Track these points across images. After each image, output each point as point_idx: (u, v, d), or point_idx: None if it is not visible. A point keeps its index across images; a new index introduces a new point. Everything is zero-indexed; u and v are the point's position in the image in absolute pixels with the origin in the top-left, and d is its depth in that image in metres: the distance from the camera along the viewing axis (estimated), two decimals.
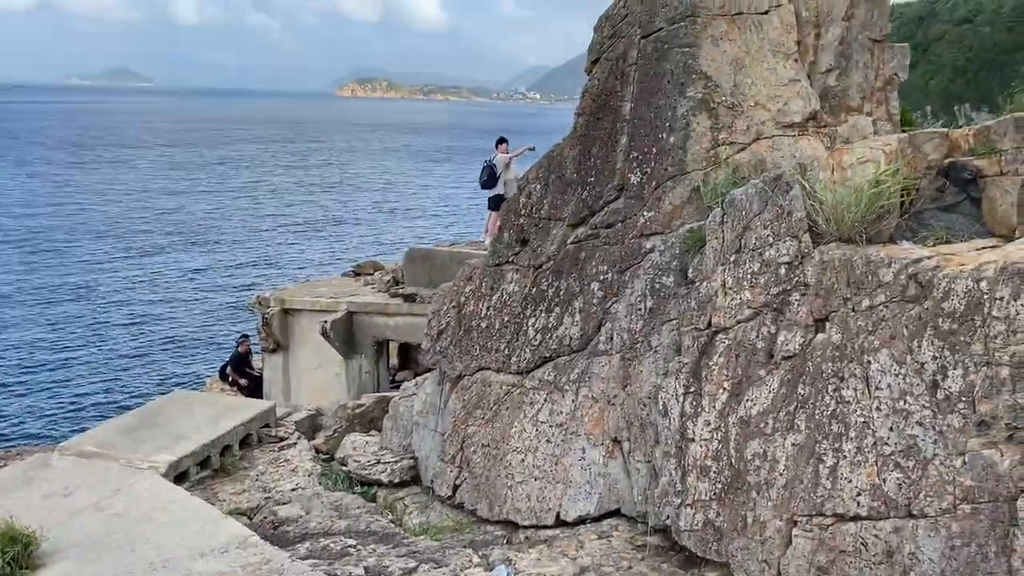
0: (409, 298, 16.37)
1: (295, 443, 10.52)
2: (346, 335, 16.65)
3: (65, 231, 49.70)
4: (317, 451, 10.61)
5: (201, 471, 9.59)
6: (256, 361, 19.86)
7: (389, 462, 9.19)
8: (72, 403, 24.03)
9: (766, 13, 7.52)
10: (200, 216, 57.10)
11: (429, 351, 9.11)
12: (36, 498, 8.20)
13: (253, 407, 10.85)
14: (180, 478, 9.28)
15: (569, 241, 7.89)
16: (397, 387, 17.99)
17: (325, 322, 16.16)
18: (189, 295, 36.53)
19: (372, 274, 18.89)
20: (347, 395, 17.15)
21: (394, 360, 18.47)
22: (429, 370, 9.95)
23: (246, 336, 20.06)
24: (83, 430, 21.28)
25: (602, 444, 7.15)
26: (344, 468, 9.55)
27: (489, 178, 17.90)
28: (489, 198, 18.35)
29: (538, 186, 8.32)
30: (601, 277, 7.50)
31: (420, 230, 57.12)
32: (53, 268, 40.29)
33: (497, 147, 18.12)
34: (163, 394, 12.57)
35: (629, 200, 7.49)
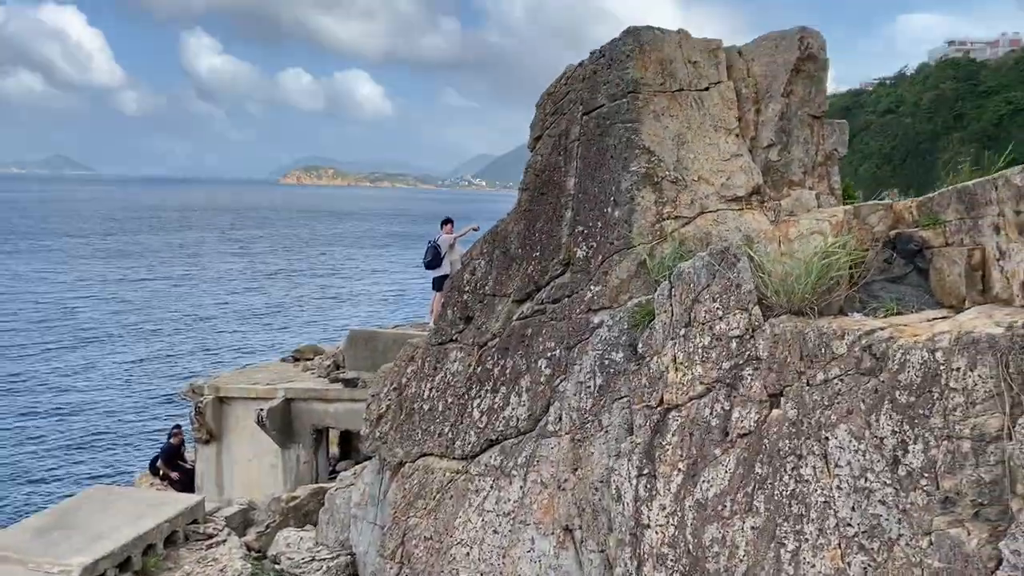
0: (350, 383, 15.84)
1: (224, 540, 9.80)
2: (283, 423, 15.97)
3: None
4: (248, 548, 9.90)
5: (120, 574, 8.82)
6: (189, 453, 18.93)
7: (325, 559, 8.58)
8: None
9: (706, 90, 7.57)
10: (137, 304, 55.62)
11: (368, 437, 8.65)
12: None
13: (179, 502, 10.13)
14: None
15: (515, 317, 7.64)
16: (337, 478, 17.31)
17: (261, 410, 15.49)
18: (122, 385, 35.11)
19: (312, 359, 18.32)
20: (283, 487, 16.33)
21: (334, 449, 17.76)
22: (369, 458, 9.46)
23: (179, 427, 19.15)
24: None
25: (552, 533, 6.74)
26: (276, 567, 8.89)
27: (433, 258, 17.70)
28: (434, 278, 18.09)
29: (482, 262, 8.10)
30: (549, 354, 7.23)
31: (365, 315, 56.46)
32: None
33: (442, 227, 18.00)
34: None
35: (576, 274, 7.30)
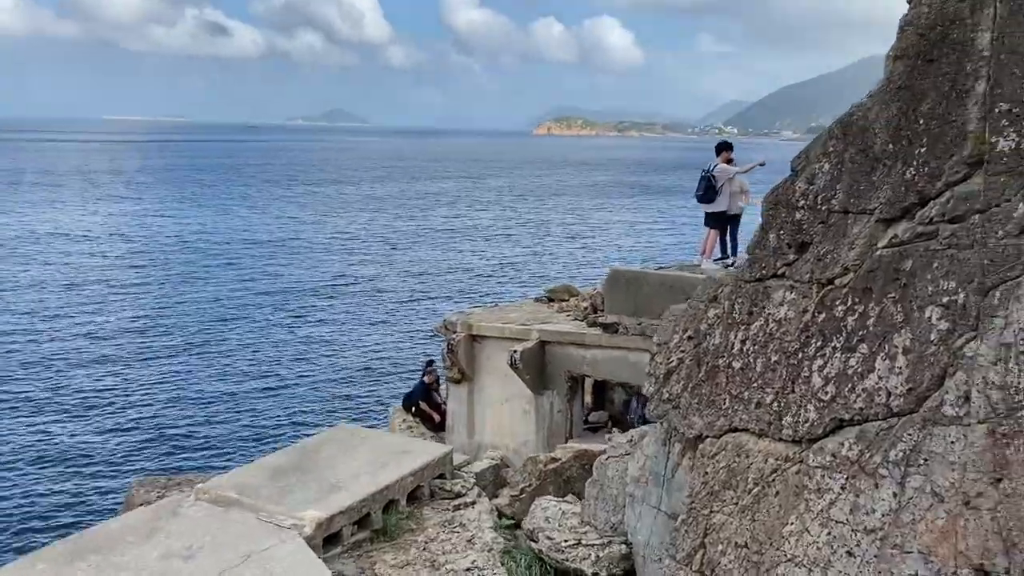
0: (610, 328, 13.99)
1: (474, 502, 8.37)
2: (537, 367, 14.52)
3: (267, 257, 51.52)
4: (500, 514, 8.41)
5: (358, 532, 7.64)
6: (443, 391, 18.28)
7: (594, 545, 6.79)
8: (246, 429, 23.34)
9: None
10: (399, 247, 57.95)
11: (653, 398, 6.65)
12: (152, 558, 6.52)
13: (426, 451, 8.83)
14: (331, 540, 7.37)
15: (882, 244, 5.21)
16: (592, 431, 15.68)
17: (514, 352, 14.11)
18: (379, 322, 36.16)
19: (567, 300, 16.71)
20: (536, 435, 15.02)
21: (587, 398, 16.16)
22: (645, 420, 7.54)
23: (432, 363, 18.56)
24: (249, 460, 20.50)
25: (954, 572, 4.38)
26: (534, 545, 7.24)
27: (707, 191, 15.29)
28: (707, 213, 15.71)
29: (826, 165, 5.70)
30: (945, 299, 4.76)
31: (613, 262, 54.97)
32: (250, 290, 41.48)
33: (718, 154, 15.49)
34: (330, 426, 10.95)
35: (994, 177, 4.72)
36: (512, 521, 8.37)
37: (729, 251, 15.82)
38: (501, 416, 15.33)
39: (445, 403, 17.58)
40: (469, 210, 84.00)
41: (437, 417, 17.31)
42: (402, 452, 8.74)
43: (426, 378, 18.08)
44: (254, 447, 21.54)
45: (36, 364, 28.38)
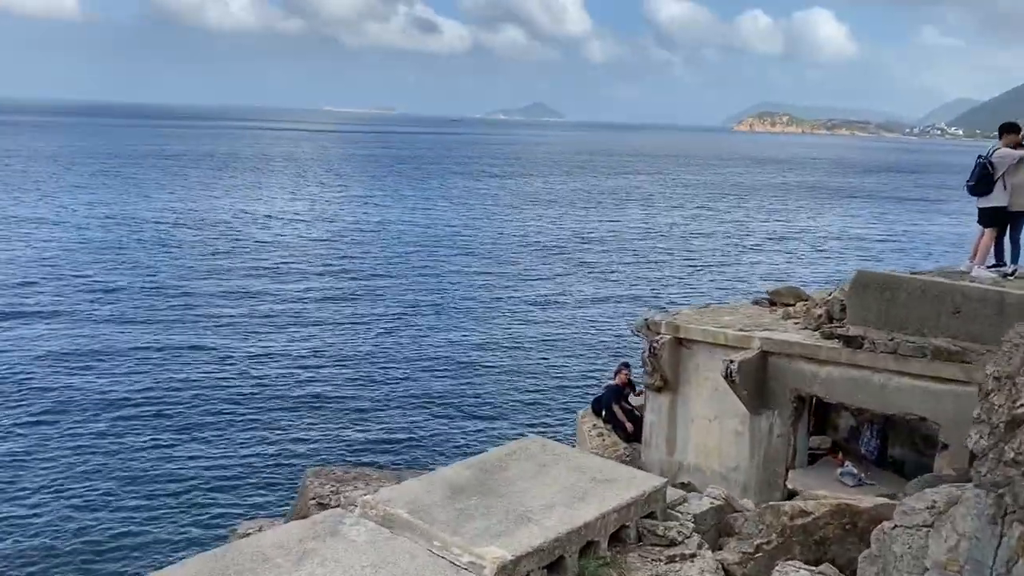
0: (852, 342, 11.62)
1: (693, 554, 6.57)
2: (756, 382, 12.40)
3: (457, 249, 51.38)
4: (727, 573, 6.58)
5: None
6: (635, 399, 16.54)
7: None
8: (423, 427, 22.41)
9: None
10: (590, 242, 56.44)
11: (985, 456, 4.57)
12: None
13: (634, 482, 7.13)
14: None
15: None
16: (812, 460, 13.34)
17: (731, 361, 12.07)
18: (566, 319, 34.70)
19: (793, 304, 14.36)
20: (749, 461, 12.91)
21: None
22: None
23: (626, 365, 16.85)
24: (416, 458, 19.36)
25: None
26: None
27: (980, 180, 12.50)
28: (980, 209, 12.89)
29: None
30: None
31: (826, 265, 50.55)
32: (439, 282, 41.32)
33: (1001, 137, 12.62)
34: (517, 436, 9.53)
35: None
36: None
37: (1008, 257, 12.92)
38: (708, 435, 13.34)
39: (638, 410, 15.91)
40: (665, 207, 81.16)
41: (630, 426, 15.62)
42: (605, 480, 7.08)
43: (617, 379, 16.46)
44: (429, 447, 20.67)
45: (234, 337, 29.43)
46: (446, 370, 27.16)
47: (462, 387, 25.50)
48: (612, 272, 45.78)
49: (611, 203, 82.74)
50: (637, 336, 14.69)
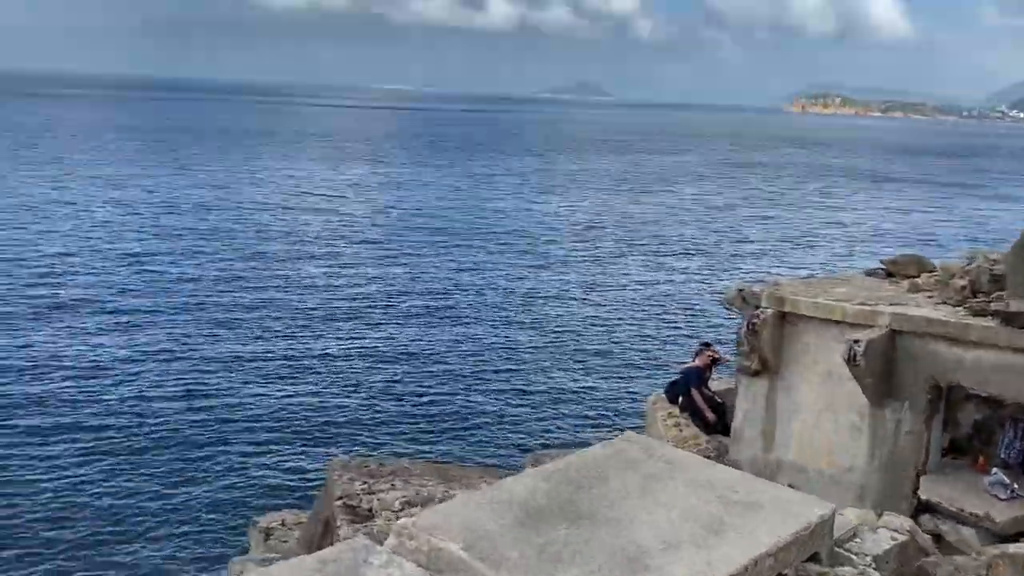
0: (1015, 320, 9.25)
1: None
2: (884, 367, 10.10)
3: (513, 229, 48.95)
4: None
5: None
6: (717, 383, 14.38)
7: None
8: (476, 406, 20.27)
9: None
10: (645, 220, 53.76)
11: None
12: None
13: (789, 508, 4.92)
14: None
15: None
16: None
17: (856, 342, 9.77)
18: (627, 299, 32.28)
19: (916, 276, 11.95)
20: (868, 462, 10.63)
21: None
22: None
23: (708, 345, 14.71)
24: (468, 450, 17.14)
25: None
26: None
27: None
28: None
29: None
30: None
31: (883, 247, 47.38)
32: (500, 260, 39.17)
33: None
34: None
35: None
36: None
37: None
38: (816, 429, 11.06)
39: (719, 396, 13.83)
40: (720, 185, 77.96)
41: (712, 415, 13.50)
42: (745, 504, 4.89)
43: (698, 360, 14.31)
44: (477, 439, 18.48)
45: (267, 316, 27.78)
46: (496, 352, 25.01)
47: (514, 370, 23.32)
48: (679, 250, 43.27)
49: (664, 182, 79.77)
50: (728, 309, 12.44)
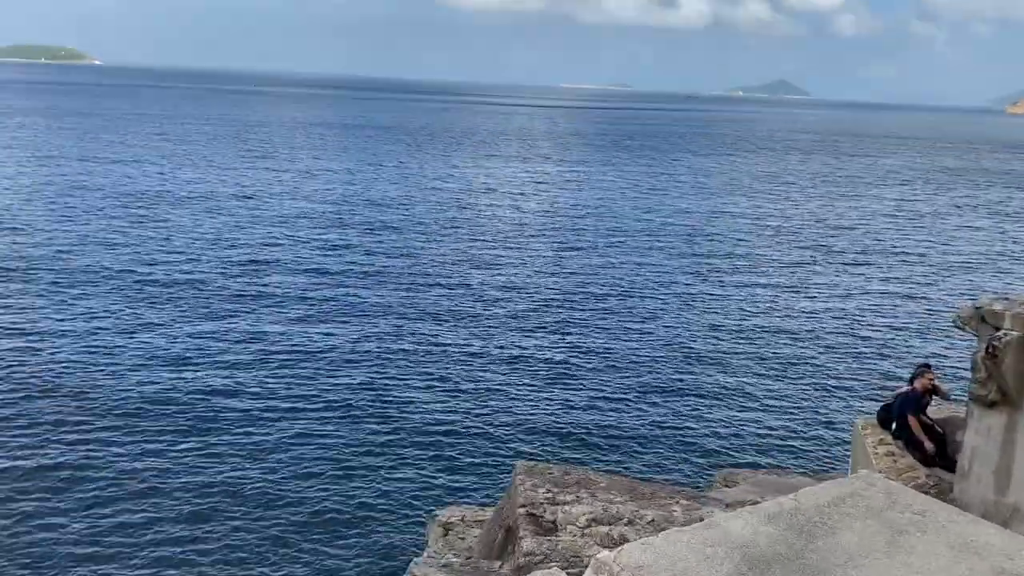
0: None
1: None
2: None
3: (688, 230, 47.21)
4: None
5: None
6: (934, 411, 12.86)
7: None
8: (665, 429, 19.22)
9: None
10: (840, 227, 50.23)
11: None
12: None
13: None
14: None
15: None
16: None
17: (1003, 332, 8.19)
18: (833, 311, 29.95)
19: None
20: None
21: None
22: None
23: (928, 367, 13.18)
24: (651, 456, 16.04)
25: None
26: None
27: None
28: None
29: None
30: None
31: None
32: (672, 263, 37.81)
33: None
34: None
35: None
36: None
37: None
38: None
39: (939, 425, 12.33)
40: (924, 191, 71.72)
41: (931, 445, 12.03)
42: None
43: (916, 384, 12.81)
44: (667, 452, 17.58)
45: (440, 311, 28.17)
46: (677, 360, 23.90)
47: (697, 379, 22.17)
48: (883, 259, 40.06)
49: (866, 186, 74.47)
50: (961, 330, 10.95)
